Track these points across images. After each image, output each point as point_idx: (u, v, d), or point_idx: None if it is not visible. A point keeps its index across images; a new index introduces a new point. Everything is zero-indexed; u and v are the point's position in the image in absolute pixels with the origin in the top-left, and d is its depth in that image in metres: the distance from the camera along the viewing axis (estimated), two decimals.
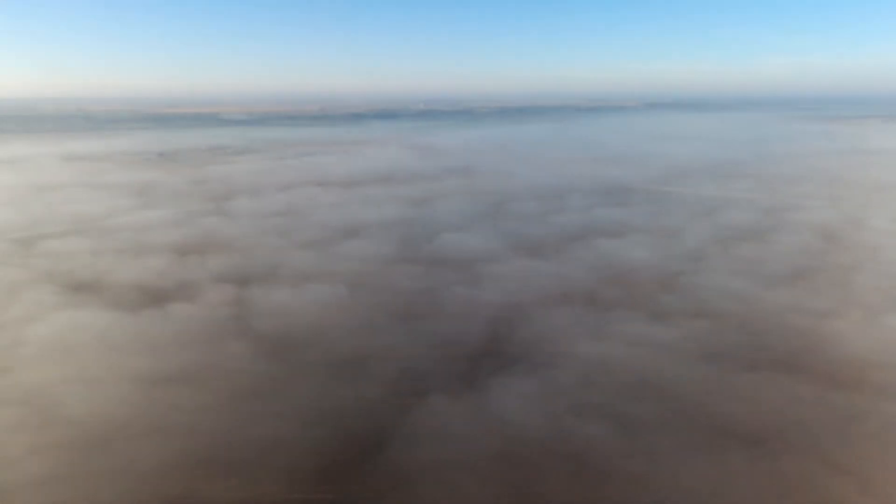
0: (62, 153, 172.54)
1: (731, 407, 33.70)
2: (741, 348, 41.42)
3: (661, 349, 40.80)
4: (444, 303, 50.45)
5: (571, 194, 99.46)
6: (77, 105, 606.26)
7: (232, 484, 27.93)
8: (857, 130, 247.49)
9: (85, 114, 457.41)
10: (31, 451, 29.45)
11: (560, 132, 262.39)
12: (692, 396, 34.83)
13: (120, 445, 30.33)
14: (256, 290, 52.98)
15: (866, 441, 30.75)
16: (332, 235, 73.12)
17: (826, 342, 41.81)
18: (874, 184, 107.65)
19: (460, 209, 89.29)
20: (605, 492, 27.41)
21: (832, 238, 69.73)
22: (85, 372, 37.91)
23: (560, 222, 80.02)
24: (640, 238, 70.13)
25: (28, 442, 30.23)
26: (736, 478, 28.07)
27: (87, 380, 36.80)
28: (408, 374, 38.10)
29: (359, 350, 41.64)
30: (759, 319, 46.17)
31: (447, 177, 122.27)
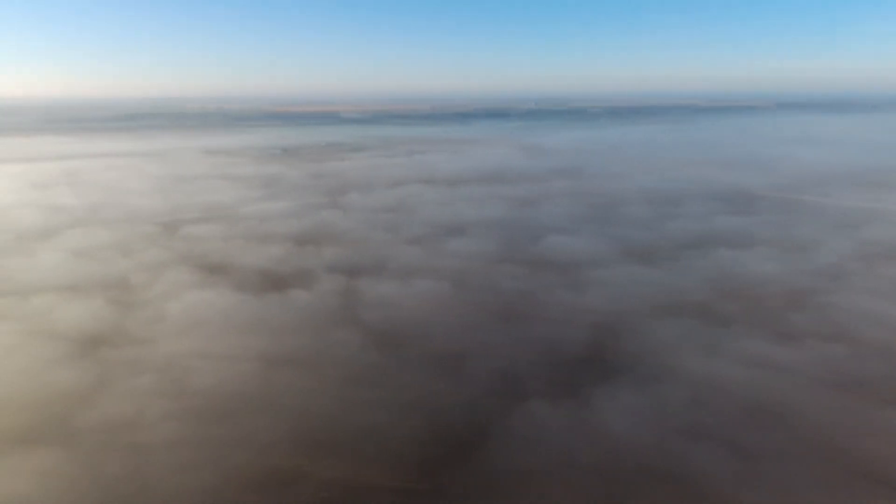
0: (201, 147, 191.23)
1: (871, 445, 29.94)
2: (884, 379, 36.69)
3: (786, 373, 37.20)
4: (547, 306, 49.56)
5: (688, 200, 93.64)
6: (217, 104, 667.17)
7: (335, 465, 29.33)
8: None
9: (223, 112, 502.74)
10: (165, 417, 32.85)
11: (678, 133, 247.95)
12: (823, 429, 31.37)
13: (239, 418, 32.97)
14: (365, 281, 55.28)
15: None
16: (438, 232, 74.53)
17: None
18: None
19: (567, 211, 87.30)
20: None
21: None
22: (212, 347, 41.66)
23: (674, 229, 75.66)
24: (765, 250, 64.47)
25: (164, 407, 33.74)
26: None
27: (214, 355, 40.41)
28: (507, 376, 37.85)
29: (459, 347, 42.04)
30: None
31: (555, 178, 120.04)
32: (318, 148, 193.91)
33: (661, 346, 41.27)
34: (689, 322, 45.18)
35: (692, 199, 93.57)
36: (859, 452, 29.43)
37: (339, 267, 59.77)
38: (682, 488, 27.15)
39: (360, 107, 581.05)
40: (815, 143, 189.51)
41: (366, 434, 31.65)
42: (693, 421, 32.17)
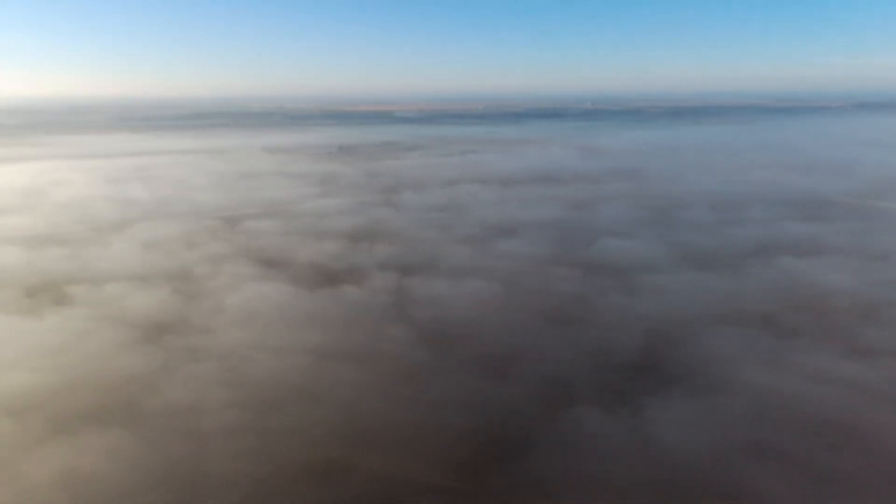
0: (261, 145, 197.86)
1: None
2: None
3: (858, 390, 34.92)
4: (600, 310, 48.46)
5: (753, 204, 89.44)
6: (277, 104, 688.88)
7: (382, 459, 29.68)
8: None
9: (283, 111, 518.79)
10: (224, 404, 34.10)
11: (743, 135, 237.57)
12: None
13: (293, 409, 33.84)
14: (416, 279, 55.67)
15: None
16: (490, 232, 74.24)
17: None
18: None
19: (623, 214, 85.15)
20: None
21: None
22: (268, 339, 42.96)
23: (737, 234, 72.45)
24: (837, 259, 60.77)
25: (223, 395, 35.05)
26: None
27: (269, 347, 41.66)
28: (556, 380, 37.24)
29: (508, 348, 41.70)
30: None
31: (611, 179, 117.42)
32: (374, 146, 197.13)
33: (722, 357, 39.58)
34: (751, 332, 43.16)
35: (758, 204, 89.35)
36: None
37: (391, 264, 60.45)
38: None
39: (415, 106, 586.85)
40: None
41: (413, 431, 31.85)
42: (755, 436, 30.64)
